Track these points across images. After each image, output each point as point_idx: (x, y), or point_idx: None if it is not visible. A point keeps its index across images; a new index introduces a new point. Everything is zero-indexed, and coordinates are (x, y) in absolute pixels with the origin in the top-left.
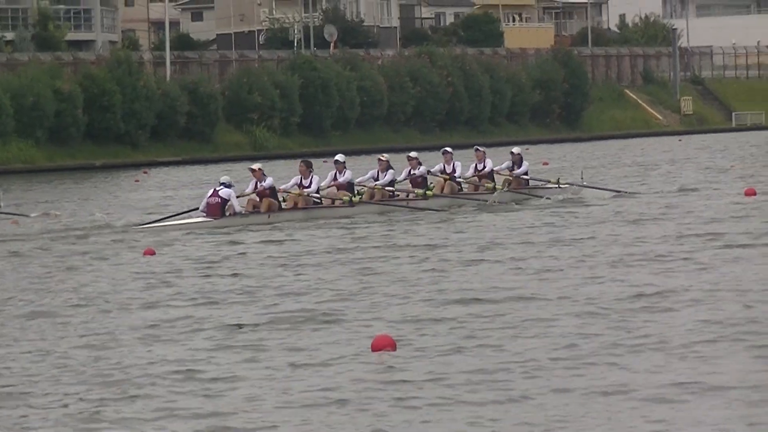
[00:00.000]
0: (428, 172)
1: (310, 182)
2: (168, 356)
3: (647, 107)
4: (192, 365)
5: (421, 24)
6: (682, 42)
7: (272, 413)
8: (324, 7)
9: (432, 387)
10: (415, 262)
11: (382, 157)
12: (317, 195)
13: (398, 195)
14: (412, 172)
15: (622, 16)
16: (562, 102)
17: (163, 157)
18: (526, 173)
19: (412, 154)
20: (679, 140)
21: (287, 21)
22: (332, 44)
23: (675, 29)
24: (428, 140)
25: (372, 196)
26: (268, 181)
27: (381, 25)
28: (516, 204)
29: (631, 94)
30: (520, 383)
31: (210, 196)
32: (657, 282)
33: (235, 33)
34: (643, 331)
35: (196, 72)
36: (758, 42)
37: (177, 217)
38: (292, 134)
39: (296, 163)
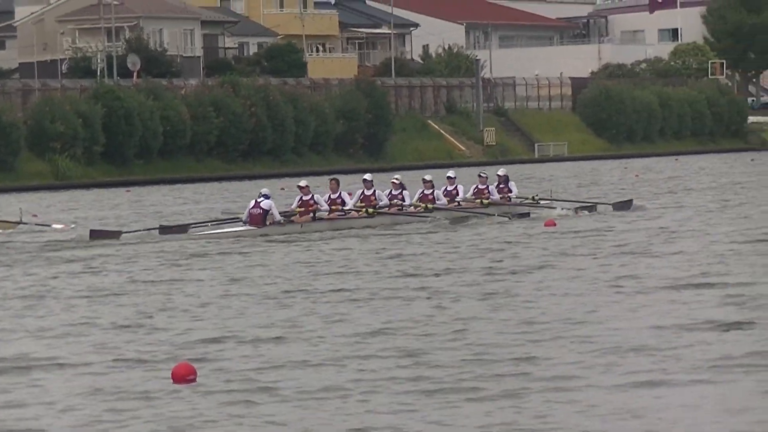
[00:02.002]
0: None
1: (339, 197)
2: None
3: (450, 138)
4: None
5: (225, 54)
6: (485, 73)
7: None
8: (127, 37)
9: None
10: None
11: (395, 179)
12: (344, 209)
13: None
14: (424, 192)
15: (426, 47)
16: (366, 132)
17: None
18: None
19: (427, 177)
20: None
21: (90, 50)
22: (135, 74)
23: (478, 60)
24: (232, 170)
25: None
26: (317, 198)
27: (184, 55)
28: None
29: (434, 125)
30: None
31: (252, 207)
32: None
33: (38, 62)
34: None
35: None
36: (561, 73)
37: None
38: (95, 163)
39: (100, 193)
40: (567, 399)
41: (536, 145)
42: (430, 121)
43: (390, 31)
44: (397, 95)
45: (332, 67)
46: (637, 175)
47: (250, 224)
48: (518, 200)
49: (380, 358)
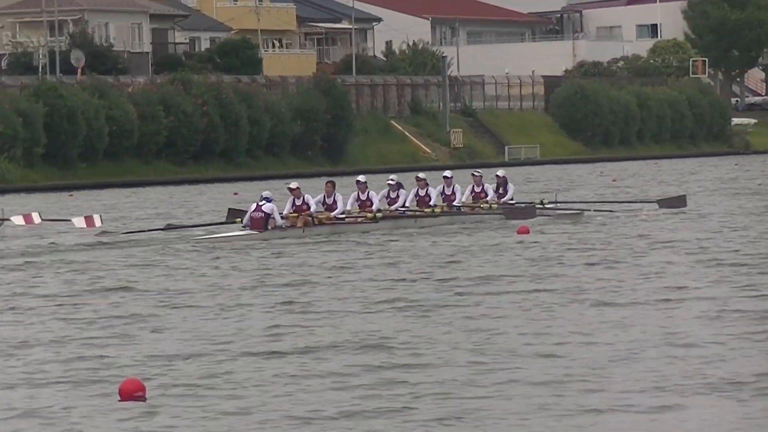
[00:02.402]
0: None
1: (333, 200)
2: None
3: (415, 140)
4: None
5: (175, 49)
6: (453, 71)
7: None
8: (71, 31)
9: None
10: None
11: (391, 181)
12: (342, 215)
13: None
14: (418, 193)
15: (389, 43)
16: (325, 134)
17: None
18: (511, 198)
19: (421, 175)
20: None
21: (31, 45)
22: (79, 70)
23: (445, 57)
24: (182, 173)
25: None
26: (308, 198)
27: (132, 51)
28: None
29: (398, 126)
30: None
31: (254, 211)
32: None
33: None
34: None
35: None
36: (533, 71)
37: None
38: (36, 165)
39: (42, 197)
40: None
41: (506, 147)
42: (393, 122)
43: (351, 26)
44: (359, 94)
45: (289, 64)
46: (614, 180)
47: (251, 228)
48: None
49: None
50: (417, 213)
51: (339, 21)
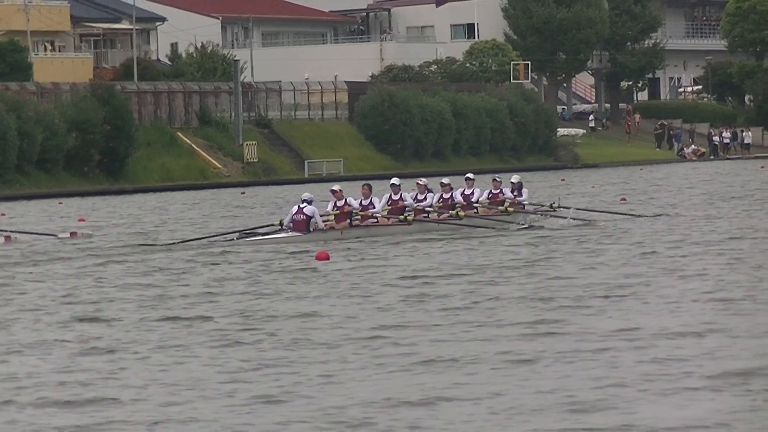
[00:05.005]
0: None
1: (370, 202)
2: None
3: (204, 153)
4: None
5: None
6: (246, 76)
7: None
8: None
9: None
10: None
11: (420, 181)
12: (377, 215)
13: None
14: (443, 197)
15: (175, 45)
16: (103, 147)
17: None
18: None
19: (445, 180)
20: (242, 193)
21: None
22: None
23: (237, 61)
24: None
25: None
26: (350, 200)
27: None
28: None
29: (185, 138)
30: None
31: (295, 213)
32: None
33: None
34: None
35: None
36: (335, 77)
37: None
38: None
39: None
40: None
41: (306, 162)
42: (179, 134)
43: (132, 27)
44: (141, 103)
45: (63, 69)
46: (623, 199)
47: (294, 230)
48: (533, 207)
49: None
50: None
51: (118, 21)
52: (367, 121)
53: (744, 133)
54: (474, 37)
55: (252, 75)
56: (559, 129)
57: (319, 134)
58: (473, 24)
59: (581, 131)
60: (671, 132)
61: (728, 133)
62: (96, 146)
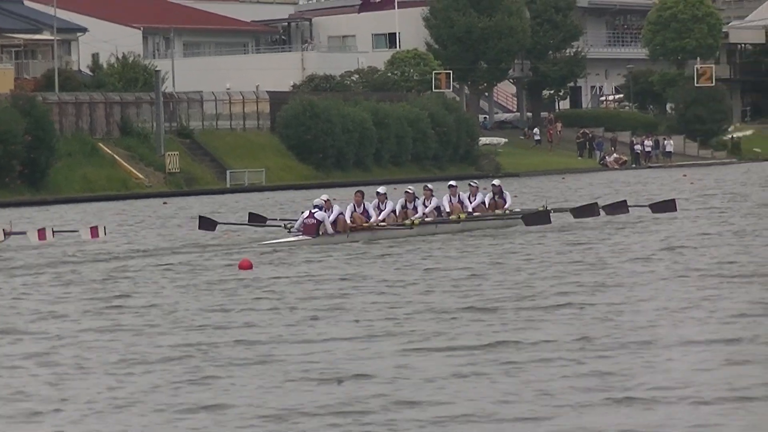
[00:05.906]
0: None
1: (363, 208)
2: None
3: (125, 164)
4: None
5: None
6: (167, 86)
7: None
8: None
9: None
10: None
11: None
12: (383, 222)
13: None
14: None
15: (96, 56)
16: (24, 158)
17: None
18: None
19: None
20: (165, 203)
21: None
22: None
23: (158, 71)
24: None
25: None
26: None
27: None
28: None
29: (107, 149)
30: None
31: (307, 218)
32: None
33: None
34: None
35: None
36: (257, 86)
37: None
38: None
39: None
40: None
41: (228, 172)
42: (101, 144)
43: (52, 37)
44: (62, 113)
45: None
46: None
47: (304, 234)
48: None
49: None
50: (444, 220)
51: (39, 32)
52: (288, 131)
53: (666, 142)
54: (396, 47)
55: (173, 85)
56: (481, 138)
57: (241, 144)
58: (395, 33)
59: (503, 140)
60: (593, 141)
61: (650, 142)
62: (17, 157)
